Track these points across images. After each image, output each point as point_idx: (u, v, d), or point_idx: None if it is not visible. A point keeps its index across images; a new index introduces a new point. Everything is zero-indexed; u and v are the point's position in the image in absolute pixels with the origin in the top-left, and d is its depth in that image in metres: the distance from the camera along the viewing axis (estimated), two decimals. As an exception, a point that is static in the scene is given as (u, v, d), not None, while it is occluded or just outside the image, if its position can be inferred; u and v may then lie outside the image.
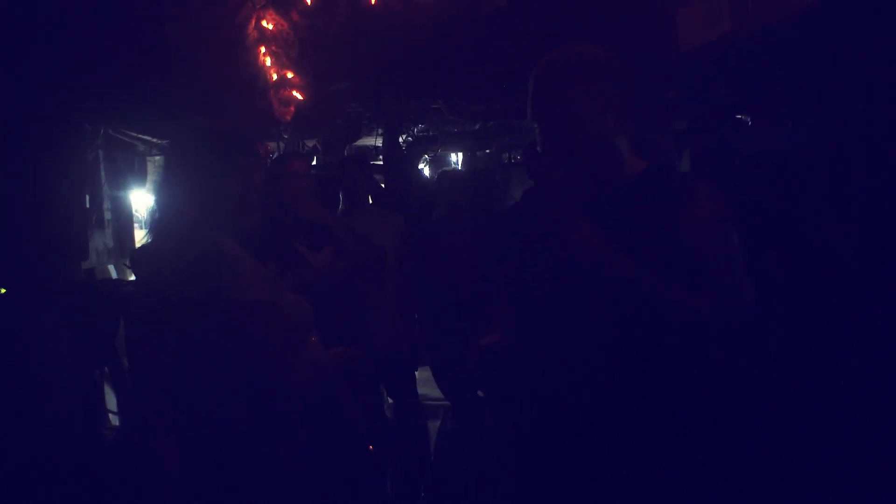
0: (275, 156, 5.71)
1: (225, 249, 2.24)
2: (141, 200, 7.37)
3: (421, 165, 9.03)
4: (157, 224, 2.36)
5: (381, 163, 7.01)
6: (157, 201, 2.41)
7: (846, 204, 3.05)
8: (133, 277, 5.47)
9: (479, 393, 4.92)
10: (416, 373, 4.92)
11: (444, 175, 5.37)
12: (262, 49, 4.24)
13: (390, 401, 5.18)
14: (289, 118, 4.63)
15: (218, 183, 2.30)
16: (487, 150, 9.14)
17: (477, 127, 7.57)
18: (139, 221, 7.39)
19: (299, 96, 4.54)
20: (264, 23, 4.16)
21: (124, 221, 7.11)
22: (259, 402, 2.21)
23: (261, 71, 4.32)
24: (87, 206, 5.85)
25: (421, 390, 4.99)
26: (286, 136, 7.00)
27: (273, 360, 2.22)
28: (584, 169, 2.03)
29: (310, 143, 7.79)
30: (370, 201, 5.13)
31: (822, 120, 3.25)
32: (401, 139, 7.09)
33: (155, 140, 6.72)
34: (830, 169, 3.13)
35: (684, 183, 2.03)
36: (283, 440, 2.25)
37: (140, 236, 7.25)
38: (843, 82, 3.04)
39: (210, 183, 2.29)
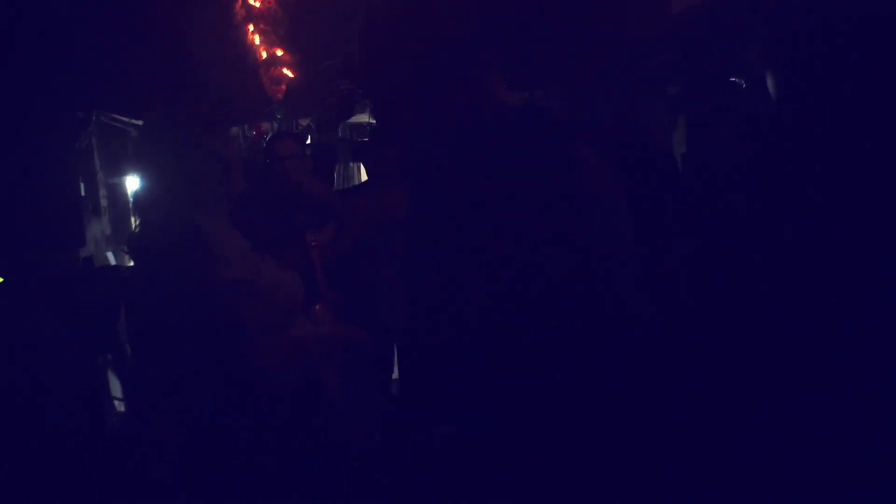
0: (268, 136, 5.69)
1: (202, 227, 2.22)
2: (137, 187, 7.35)
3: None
4: (143, 206, 2.34)
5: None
6: (142, 183, 2.40)
7: (837, 167, 3.03)
8: (132, 263, 5.47)
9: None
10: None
11: None
12: (251, 27, 4.20)
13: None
14: (280, 96, 4.59)
15: (205, 163, 2.28)
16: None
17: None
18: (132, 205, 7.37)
19: (290, 74, 4.51)
20: (251, 0, 4.11)
21: (121, 208, 7.09)
22: (231, 383, 2.20)
23: (250, 49, 4.28)
24: (83, 194, 5.84)
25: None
26: (279, 116, 6.97)
27: (246, 340, 2.20)
28: None
29: (303, 123, 7.76)
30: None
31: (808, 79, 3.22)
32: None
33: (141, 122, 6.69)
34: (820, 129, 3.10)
35: None
36: (254, 424, 2.24)
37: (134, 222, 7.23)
38: (830, 42, 3.01)
39: (196, 163, 2.27)
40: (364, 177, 6.56)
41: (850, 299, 2.82)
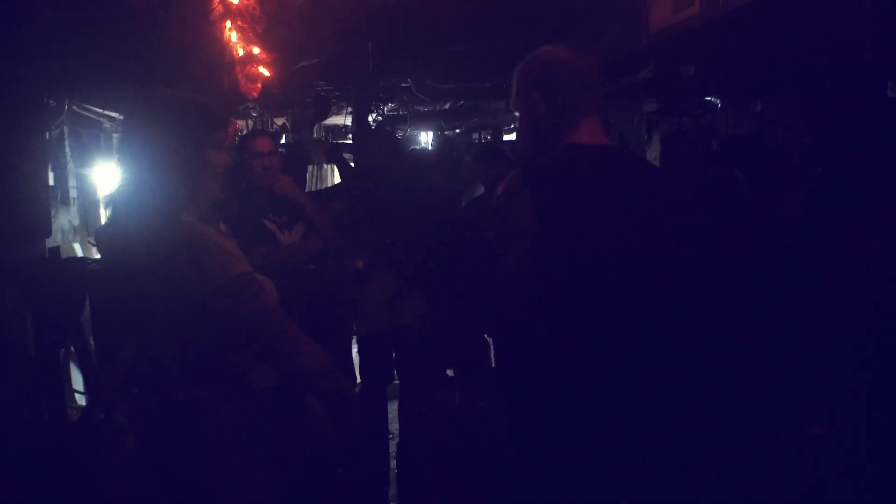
0: (242, 133, 5.67)
1: (195, 228, 2.22)
2: (107, 178, 7.29)
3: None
4: (118, 200, 2.33)
5: (350, 142, 6.98)
6: (121, 178, 2.38)
7: (812, 184, 3.07)
8: (98, 256, 5.42)
9: (449, 372, 4.93)
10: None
11: (411, 154, 5.35)
12: (228, 24, 4.18)
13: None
14: (256, 95, 4.57)
15: (183, 156, 2.27)
16: (457, 130, 9.13)
17: (447, 106, 7.55)
18: (105, 200, 7.31)
19: (266, 73, 4.49)
20: (229, -3, 4.10)
21: (90, 199, 7.04)
22: (195, 376, 2.22)
23: (227, 47, 4.26)
24: (52, 183, 5.78)
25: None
26: (255, 114, 6.95)
27: (277, 325, 2.29)
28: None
29: (279, 121, 7.75)
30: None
31: (788, 101, 3.27)
32: (370, 118, 7.06)
33: (121, 117, 6.64)
34: (797, 150, 3.15)
35: None
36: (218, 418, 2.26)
37: (106, 215, 7.17)
38: (808, 64, 3.07)
39: (175, 156, 2.26)
40: (337, 178, 6.57)
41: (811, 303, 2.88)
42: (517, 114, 2.44)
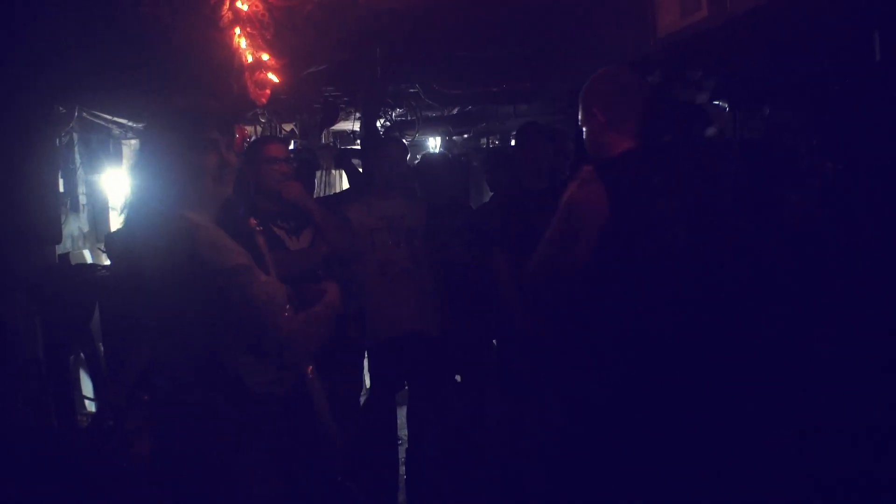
0: (251, 139, 5.67)
1: (198, 224, 2.23)
2: (116, 184, 7.31)
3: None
4: (131, 207, 2.34)
5: (359, 147, 6.98)
6: (133, 184, 2.40)
7: (823, 189, 3.07)
8: (108, 262, 5.43)
9: (457, 377, 4.93)
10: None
11: (424, 159, 5.36)
12: (237, 31, 4.19)
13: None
14: (264, 101, 4.58)
15: (195, 163, 2.28)
16: (465, 136, 9.12)
17: (455, 111, 7.55)
18: (114, 206, 7.33)
19: (275, 79, 4.50)
20: (239, 3, 4.10)
21: (99, 205, 7.06)
22: (203, 384, 2.22)
23: (236, 53, 4.27)
24: (62, 189, 5.80)
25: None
26: (263, 120, 6.96)
27: (262, 316, 2.25)
28: None
29: (287, 127, 7.75)
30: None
31: (796, 105, 3.27)
32: (378, 124, 7.06)
33: (130, 123, 6.65)
34: (806, 154, 3.14)
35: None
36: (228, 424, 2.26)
37: (115, 220, 7.20)
38: (816, 67, 3.06)
39: (186, 163, 2.28)
40: (346, 184, 6.57)
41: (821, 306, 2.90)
42: (583, 127, 2.93)
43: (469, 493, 4.31)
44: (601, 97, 2.85)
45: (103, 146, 7.01)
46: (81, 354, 5.46)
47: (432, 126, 8.11)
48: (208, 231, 2.24)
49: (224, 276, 2.19)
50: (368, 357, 4.62)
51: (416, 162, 5.77)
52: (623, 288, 2.65)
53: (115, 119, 6.48)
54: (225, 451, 2.24)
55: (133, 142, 7.37)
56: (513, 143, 5.58)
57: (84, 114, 5.99)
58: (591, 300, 2.74)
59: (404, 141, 5.47)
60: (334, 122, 7.22)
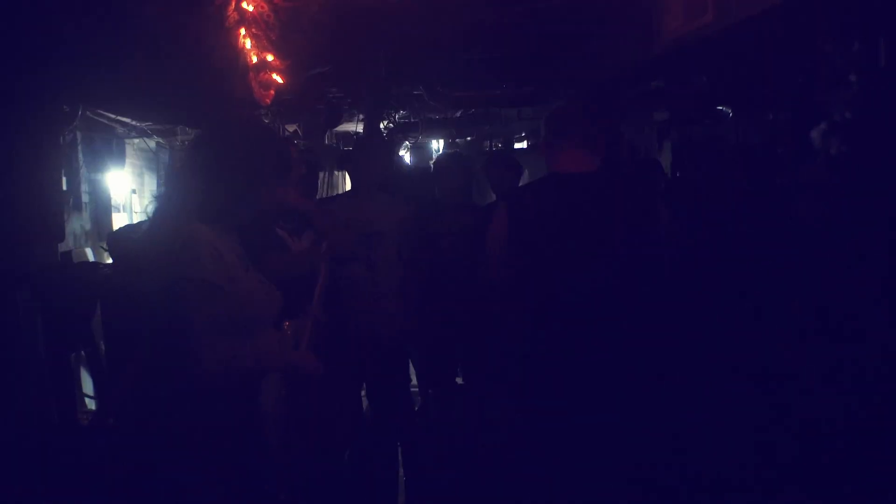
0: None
1: (194, 234, 2.21)
2: (119, 183, 7.32)
3: (402, 152, 9.01)
4: (154, 211, 2.34)
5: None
6: (160, 189, 2.40)
7: (823, 193, 3.07)
8: (110, 261, 5.43)
9: (458, 380, 4.93)
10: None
11: (439, 159, 5.37)
12: (242, 31, 4.20)
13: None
14: (268, 102, 4.59)
15: (244, 183, 2.29)
16: (468, 138, 9.13)
17: (458, 114, 7.56)
18: (116, 205, 7.34)
19: (279, 80, 4.51)
20: (244, 4, 4.11)
21: (102, 204, 7.06)
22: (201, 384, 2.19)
23: (241, 53, 4.28)
24: (65, 188, 5.80)
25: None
26: (267, 121, 6.97)
27: (192, 341, 2.15)
28: None
29: (291, 128, 7.75)
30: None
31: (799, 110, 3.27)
32: (382, 125, 7.07)
33: (134, 122, 6.66)
34: (808, 159, 3.14)
35: None
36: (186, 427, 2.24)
37: (117, 219, 7.21)
38: (820, 74, 3.06)
39: (234, 182, 2.28)
40: (348, 185, 6.58)
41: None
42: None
43: (468, 493, 4.31)
44: (546, 128, 3.18)
45: (106, 145, 7.01)
46: (82, 352, 5.45)
47: (436, 128, 8.12)
48: (199, 242, 2.21)
49: (178, 286, 2.14)
50: (368, 358, 4.60)
51: (432, 162, 5.78)
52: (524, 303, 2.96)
53: (119, 118, 6.49)
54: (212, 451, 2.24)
55: (136, 141, 7.38)
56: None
57: (88, 113, 5.99)
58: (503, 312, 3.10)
59: (407, 142, 5.47)
60: (338, 123, 7.23)
